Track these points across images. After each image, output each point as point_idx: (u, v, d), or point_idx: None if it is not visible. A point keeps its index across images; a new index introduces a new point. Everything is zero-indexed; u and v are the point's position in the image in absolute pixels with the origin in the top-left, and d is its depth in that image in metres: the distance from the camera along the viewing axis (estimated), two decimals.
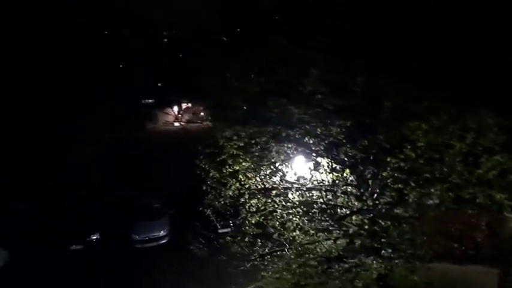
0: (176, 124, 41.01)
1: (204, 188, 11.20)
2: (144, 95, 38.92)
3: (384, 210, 9.43)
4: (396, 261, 9.26)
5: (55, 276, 18.29)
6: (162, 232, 21.06)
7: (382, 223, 9.24)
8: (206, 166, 11.04)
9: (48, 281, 18.01)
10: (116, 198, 24.95)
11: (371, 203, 9.44)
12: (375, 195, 9.51)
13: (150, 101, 39.23)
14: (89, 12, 28.86)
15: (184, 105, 41.70)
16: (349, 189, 10.12)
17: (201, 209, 11.60)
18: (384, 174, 9.29)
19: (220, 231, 13.30)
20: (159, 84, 37.31)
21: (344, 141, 9.24)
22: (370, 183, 9.54)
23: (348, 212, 10.21)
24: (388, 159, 9.04)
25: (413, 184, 9.07)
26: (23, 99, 23.74)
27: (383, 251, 9.40)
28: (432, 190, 9.10)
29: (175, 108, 42.40)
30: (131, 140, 30.17)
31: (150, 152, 29.78)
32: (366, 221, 9.46)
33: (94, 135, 26.63)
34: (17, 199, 23.53)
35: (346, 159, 9.46)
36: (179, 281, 15.57)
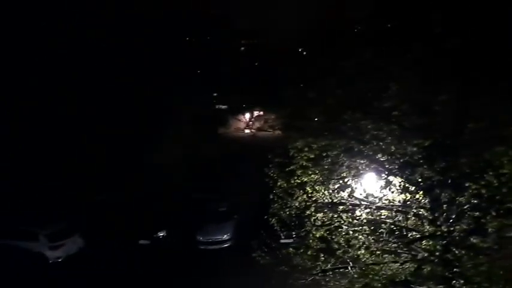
0: (247, 131, 41.79)
1: (271, 196, 11.23)
2: (218, 100, 40.06)
3: (458, 238, 8.85)
4: None
5: (121, 266, 19.30)
6: (226, 236, 21.48)
7: (456, 251, 8.67)
8: (275, 175, 11.07)
9: (114, 270, 18.97)
10: (185, 199, 25.93)
11: (445, 229, 8.89)
12: (451, 221, 8.96)
13: (223, 106, 40.31)
14: (171, 16, 30.25)
15: (256, 113, 42.40)
16: (421, 212, 9.64)
17: (266, 217, 11.62)
18: (462, 200, 8.75)
19: (282, 241, 13.27)
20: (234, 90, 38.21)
21: (421, 161, 8.83)
22: (445, 208, 9.01)
23: (418, 236, 9.72)
24: (468, 184, 8.52)
25: (493, 213, 8.45)
26: (108, 101, 25.47)
27: (454, 281, 8.82)
28: None
29: (247, 115, 43.25)
30: (204, 144, 31.14)
31: (221, 157, 30.57)
32: (438, 247, 8.93)
33: (174, 137, 27.83)
34: (99, 191, 25.27)
35: (421, 180, 9.03)
36: (238, 286, 15.65)
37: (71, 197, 24.10)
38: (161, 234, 21.95)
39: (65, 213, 22.08)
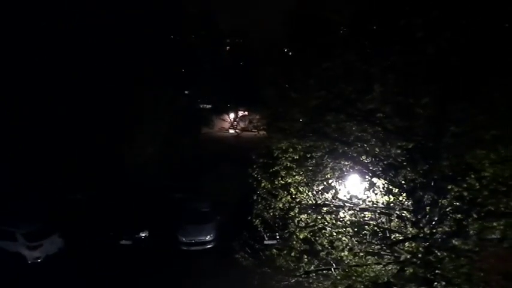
0: (231, 131, 41.67)
1: (255, 197, 11.17)
2: (203, 99, 39.80)
3: (440, 240, 8.93)
4: None
5: (102, 266, 19.12)
6: (208, 237, 21.33)
7: (438, 253, 8.74)
8: (258, 176, 11.03)
9: (95, 269, 18.82)
10: (166, 199, 25.67)
11: (428, 231, 8.95)
12: (433, 223, 9.03)
13: (207, 106, 40.10)
14: (155, 14, 29.95)
15: (240, 113, 42.31)
16: (404, 214, 9.70)
17: (249, 218, 11.55)
18: (444, 202, 8.82)
19: (266, 242, 13.23)
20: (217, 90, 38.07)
21: (404, 163, 8.88)
22: (428, 210, 9.08)
23: (401, 238, 9.78)
24: (450, 186, 8.59)
25: (475, 216, 8.56)
26: (87, 98, 25.06)
27: (436, 283, 8.89)
28: (495, 224, 8.60)
29: (232, 115, 43.12)
30: (186, 143, 30.90)
31: (203, 157, 30.38)
32: (420, 249, 9.00)
33: (153, 135, 27.51)
34: (75, 191, 24.83)
35: (404, 182, 9.08)
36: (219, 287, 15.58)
37: (49, 196, 23.66)
38: (143, 235, 21.69)
39: (43, 213, 21.65)
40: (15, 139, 23.48)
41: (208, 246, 21.21)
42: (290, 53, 12.18)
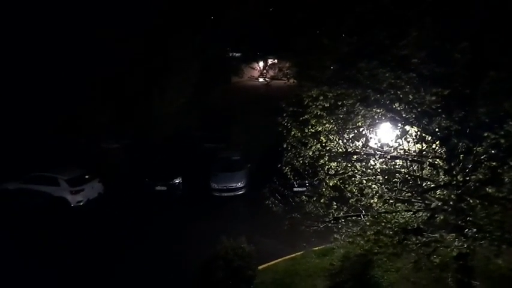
0: (260, 80, 41.27)
1: (285, 146, 11.22)
2: (232, 48, 39.15)
3: (473, 187, 8.80)
4: (481, 241, 8.71)
5: (139, 209, 20.22)
6: (239, 184, 21.86)
7: (471, 201, 8.66)
8: (288, 124, 10.99)
9: (133, 212, 19.95)
10: (198, 148, 26.21)
11: (461, 179, 8.84)
12: (466, 170, 8.89)
13: (237, 54, 39.47)
14: None
15: (270, 61, 41.64)
16: (437, 162, 9.57)
17: (279, 166, 11.68)
18: (479, 149, 8.61)
19: (295, 189, 13.44)
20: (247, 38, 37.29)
21: (439, 110, 8.63)
22: (462, 157, 8.90)
23: (433, 185, 9.71)
24: (486, 134, 8.36)
25: (511, 163, 8.36)
26: (119, 48, 25.17)
27: (467, 230, 8.88)
28: None
29: (261, 64, 42.51)
30: (216, 93, 30.96)
31: (233, 106, 30.47)
32: (452, 196, 8.93)
33: (183, 86, 27.65)
34: (112, 140, 25.68)
35: (438, 130, 8.88)
36: (251, 232, 16.10)
37: (88, 145, 24.63)
38: (177, 181, 22.42)
39: (83, 160, 22.66)
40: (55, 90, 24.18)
41: (239, 193, 21.82)
42: None
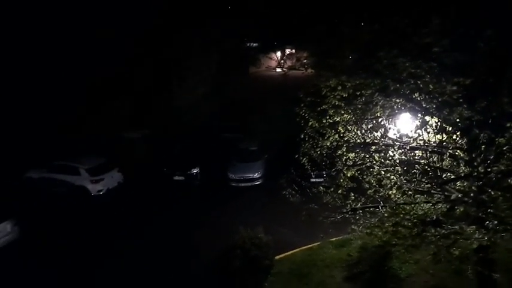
0: (278, 70, 41.08)
1: (302, 136, 11.15)
2: (249, 38, 39.02)
3: (495, 179, 8.60)
4: (502, 234, 8.54)
5: (157, 198, 20.51)
6: (256, 174, 21.91)
7: (492, 192, 8.47)
8: (306, 115, 10.90)
9: (151, 201, 20.24)
10: (216, 139, 26.31)
11: (482, 170, 8.64)
12: (488, 162, 8.68)
13: (254, 44, 39.32)
14: None
15: (287, 51, 41.38)
16: (457, 153, 9.38)
17: (296, 156, 11.62)
18: (502, 140, 8.39)
19: (313, 180, 13.40)
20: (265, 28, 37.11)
21: (460, 100, 8.43)
22: (483, 148, 8.70)
23: (453, 177, 9.54)
24: (509, 124, 8.14)
25: None
26: (139, 40, 25.34)
27: (488, 222, 8.71)
28: None
29: (279, 54, 42.30)
30: (234, 83, 30.96)
31: (251, 96, 30.44)
32: (473, 188, 8.76)
33: (202, 76, 27.75)
34: (131, 130, 26.02)
35: (459, 120, 8.68)
36: (268, 222, 16.14)
37: (107, 135, 24.99)
38: (194, 171, 22.59)
39: (103, 150, 23.00)
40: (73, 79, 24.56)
41: (257, 183, 21.86)
42: None
